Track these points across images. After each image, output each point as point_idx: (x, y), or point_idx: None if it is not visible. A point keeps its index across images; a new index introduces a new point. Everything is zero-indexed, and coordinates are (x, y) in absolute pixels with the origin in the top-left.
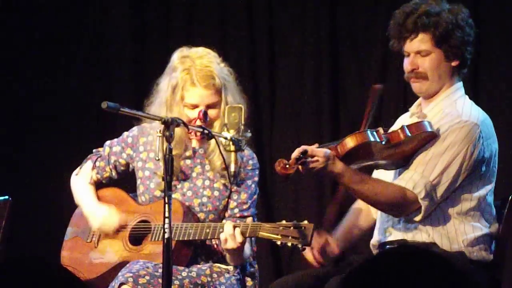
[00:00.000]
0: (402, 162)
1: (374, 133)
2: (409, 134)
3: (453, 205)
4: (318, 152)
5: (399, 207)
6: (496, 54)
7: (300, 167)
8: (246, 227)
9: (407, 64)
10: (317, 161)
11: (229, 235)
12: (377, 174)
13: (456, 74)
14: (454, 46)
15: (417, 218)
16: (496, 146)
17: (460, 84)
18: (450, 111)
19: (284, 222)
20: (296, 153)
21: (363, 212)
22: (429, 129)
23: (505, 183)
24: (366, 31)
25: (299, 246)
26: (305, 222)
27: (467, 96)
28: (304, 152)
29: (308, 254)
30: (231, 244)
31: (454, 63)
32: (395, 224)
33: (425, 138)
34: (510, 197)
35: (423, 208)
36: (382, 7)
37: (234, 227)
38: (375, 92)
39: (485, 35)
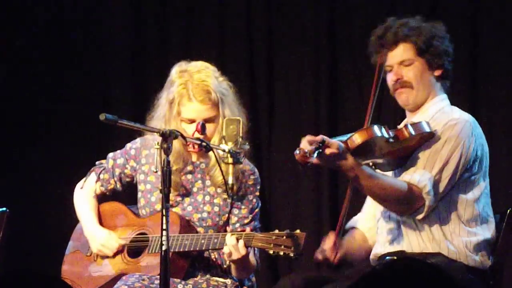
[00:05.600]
0: (398, 162)
1: (382, 128)
2: (413, 133)
3: (451, 210)
4: (334, 144)
5: (406, 202)
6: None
7: (315, 156)
8: (240, 237)
9: (391, 76)
10: (333, 151)
11: (232, 246)
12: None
13: (439, 85)
14: (436, 55)
15: (420, 216)
16: (486, 147)
17: (445, 96)
18: (440, 115)
19: (277, 231)
20: (313, 142)
21: (361, 237)
22: (428, 129)
23: (504, 197)
24: (365, 42)
25: (291, 254)
26: (298, 231)
27: (454, 106)
28: (322, 142)
29: (319, 255)
30: (236, 255)
31: (436, 73)
32: (394, 234)
33: (423, 138)
34: (508, 211)
35: (426, 203)
36: (380, 13)
37: (237, 239)
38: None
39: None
